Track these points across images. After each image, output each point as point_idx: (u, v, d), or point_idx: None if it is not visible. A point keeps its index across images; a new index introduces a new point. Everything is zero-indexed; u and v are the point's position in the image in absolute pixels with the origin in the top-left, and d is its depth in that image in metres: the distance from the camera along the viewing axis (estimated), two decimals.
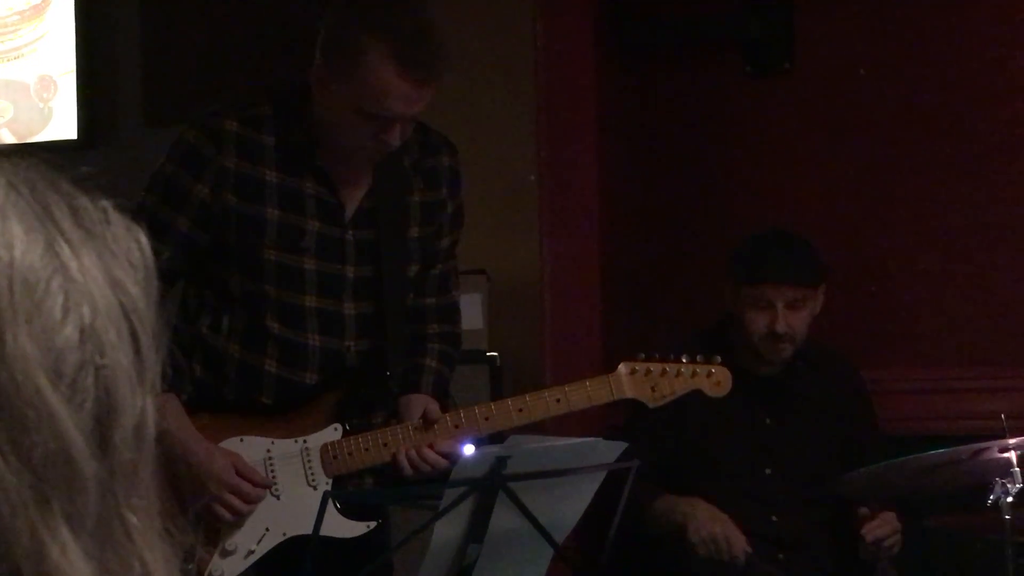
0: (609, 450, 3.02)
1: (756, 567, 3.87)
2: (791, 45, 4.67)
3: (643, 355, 3.25)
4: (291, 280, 3.12)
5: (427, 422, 3.13)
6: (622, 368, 3.23)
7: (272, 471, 3.12)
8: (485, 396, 4.29)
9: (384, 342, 3.19)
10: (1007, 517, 3.10)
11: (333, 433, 3.15)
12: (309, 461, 3.13)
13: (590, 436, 3.17)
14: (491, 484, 2.87)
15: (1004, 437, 3.17)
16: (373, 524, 3.12)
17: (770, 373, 4.04)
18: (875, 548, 3.83)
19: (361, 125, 3.01)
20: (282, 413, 3.14)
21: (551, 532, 2.96)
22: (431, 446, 3.11)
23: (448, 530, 2.89)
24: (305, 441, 3.14)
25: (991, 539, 3.17)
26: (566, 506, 2.99)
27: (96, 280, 0.77)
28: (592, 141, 4.61)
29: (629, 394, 3.22)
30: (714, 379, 3.28)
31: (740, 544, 3.82)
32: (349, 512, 3.11)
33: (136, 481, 0.76)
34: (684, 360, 3.25)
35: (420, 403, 3.18)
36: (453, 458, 3.10)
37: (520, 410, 3.16)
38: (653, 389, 3.24)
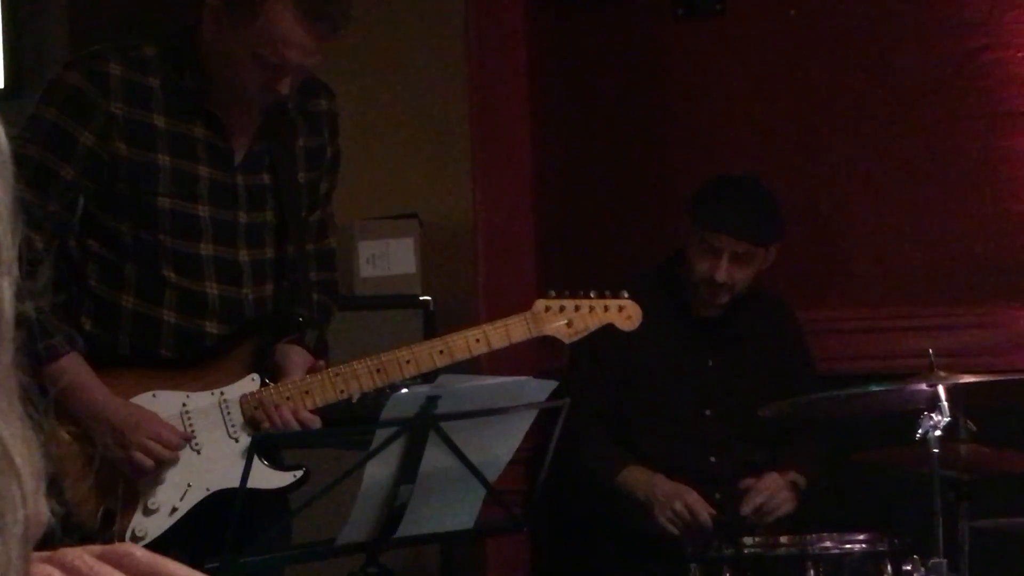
0: (540, 389, 3.02)
1: (728, 525, 3.90)
2: None
3: (553, 292, 3.25)
4: (186, 228, 3.06)
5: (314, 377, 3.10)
6: (538, 305, 3.24)
7: (190, 425, 3.06)
8: (419, 340, 4.28)
9: (283, 288, 3.16)
10: (935, 451, 3.13)
11: (251, 383, 3.09)
12: (228, 413, 3.07)
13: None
14: (422, 424, 2.86)
15: (932, 371, 3.19)
16: (300, 473, 3.08)
17: (712, 314, 4.06)
18: (757, 517, 3.87)
19: (254, 71, 2.97)
20: (195, 366, 3.08)
21: (483, 471, 2.96)
22: (295, 411, 3.05)
23: (379, 471, 2.88)
24: (223, 393, 3.08)
25: (919, 472, 3.19)
26: (498, 445, 2.99)
27: None
28: (523, 83, 4.59)
29: (546, 331, 3.23)
30: (625, 314, 3.30)
31: (704, 511, 3.85)
32: (275, 463, 3.09)
33: None
34: (593, 296, 3.27)
35: (303, 357, 3.14)
36: (309, 428, 3.07)
37: (441, 351, 3.15)
38: (569, 325, 3.25)
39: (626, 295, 3.30)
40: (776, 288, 4.26)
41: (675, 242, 4.15)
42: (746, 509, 3.88)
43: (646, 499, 3.91)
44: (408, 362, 3.12)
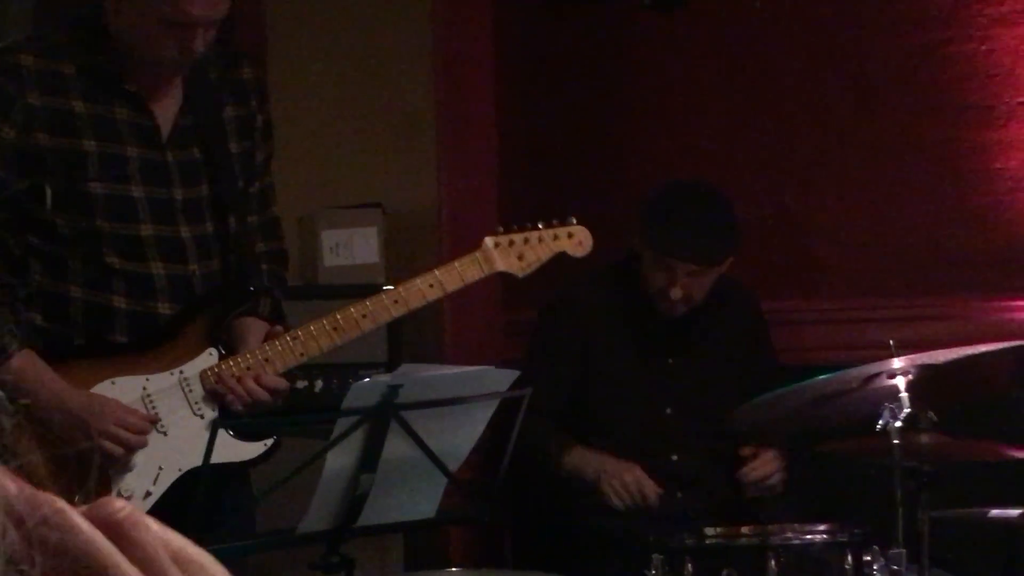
0: (501, 378, 3.03)
1: (668, 507, 3.91)
2: None
3: (501, 228, 3.23)
4: (123, 211, 3.04)
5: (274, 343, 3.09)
6: (487, 242, 3.20)
7: (153, 408, 3.05)
8: (383, 329, 4.27)
9: (230, 260, 3.14)
10: (895, 442, 3.14)
11: (209, 358, 3.08)
12: (190, 391, 3.06)
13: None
14: (383, 413, 2.86)
15: (892, 360, 3.20)
16: (270, 442, 3.08)
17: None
18: (756, 488, 3.90)
19: (163, 35, 2.95)
20: (150, 348, 3.06)
21: (444, 461, 2.97)
22: (257, 379, 3.04)
23: (340, 460, 2.89)
24: (182, 371, 3.07)
25: (880, 464, 3.21)
26: (459, 435, 2.99)
27: None
28: (489, 73, 4.59)
29: (499, 267, 3.19)
30: (575, 239, 3.28)
31: (651, 488, 3.86)
32: (243, 434, 3.07)
33: None
34: (541, 226, 3.25)
35: (259, 327, 3.13)
36: (278, 392, 3.06)
37: (396, 301, 3.13)
38: (520, 258, 3.22)
39: (574, 220, 3.28)
40: (740, 279, 4.26)
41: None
42: (749, 477, 3.89)
43: (595, 474, 3.91)
44: (364, 316, 3.10)
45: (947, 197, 4.47)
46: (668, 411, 4.04)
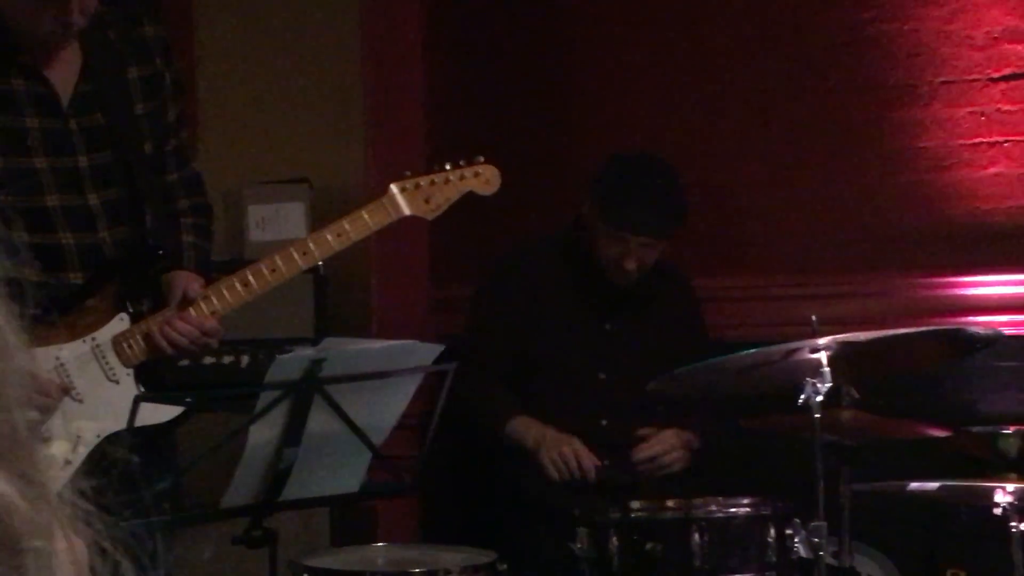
0: (426, 353, 3.02)
1: (610, 478, 3.94)
2: None
3: (408, 172, 3.23)
4: (26, 184, 3.03)
5: (186, 301, 3.09)
6: (394, 187, 3.21)
7: (67, 376, 3.05)
8: (310, 305, 4.27)
9: (142, 224, 3.13)
10: (816, 416, 3.16)
11: (120, 323, 3.09)
12: (104, 357, 3.07)
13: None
14: (307, 387, 2.86)
15: (814, 337, 3.23)
16: (189, 401, 3.08)
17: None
18: (648, 468, 3.93)
19: (39, 11, 2.96)
20: (61, 318, 3.06)
21: (369, 435, 2.96)
22: (183, 318, 3.06)
23: (263, 434, 2.87)
24: (94, 339, 3.07)
25: (803, 438, 3.23)
26: (383, 409, 2.99)
27: None
28: (417, 49, 4.57)
29: (406, 211, 3.20)
30: (483, 178, 3.29)
31: (589, 460, 3.88)
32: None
33: None
34: (448, 167, 3.26)
35: (182, 279, 3.13)
36: (206, 329, 3.07)
37: (304, 253, 3.13)
38: (427, 201, 3.22)
39: (482, 159, 3.29)
40: (669, 255, 4.29)
41: (574, 209, 4.16)
42: (639, 456, 3.93)
43: (535, 444, 3.95)
44: (274, 271, 3.11)
45: (871, 175, 4.50)
46: (602, 376, 4.09)
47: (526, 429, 3.99)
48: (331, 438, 2.92)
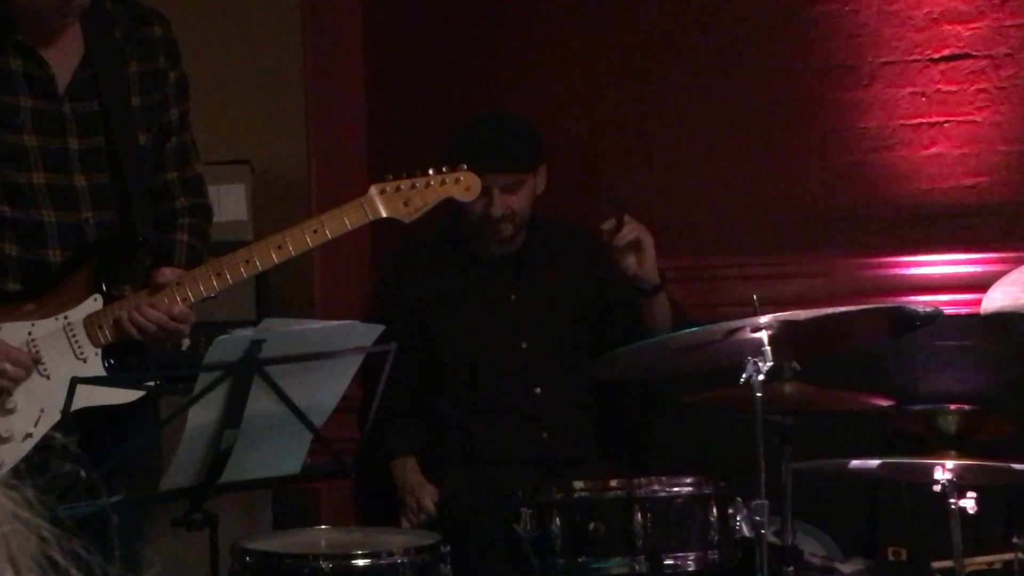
0: (367, 333, 3.01)
1: (533, 450, 3.96)
2: None
3: (391, 175, 3.23)
4: (13, 159, 3.06)
5: (157, 287, 3.09)
6: (373, 190, 3.21)
7: (37, 351, 3.06)
8: (250, 288, 4.25)
9: (128, 211, 3.14)
10: (758, 394, 3.18)
11: (94, 304, 3.10)
12: (74, 336, 3.08)
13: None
14: (246, 368, 2.84)
15: (755, 317, 3.24)
16: (151, 384, 3.09)
17: (503, 252, 4.11)
18: (635, 264, 3.97)
19: None
20: (38, 295, 3.08)
21: (309, 415, 2.95)
22: (151, 304, 3.07)
23: (203, 416, 2.86)
24: (66, 317, 3.09)
25: (745, 417, 3.24)
26: (324, 389, 2.98)
27: None
28: (358, 31, 4.56)
29: (383, 213, 3.20)
30: (463, 185, 3.28)
31: (428, 497, 3.96)
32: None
33: None
34: (431, 172, 3.26)
35: (169, 272, 3.14)
36: (175, 314, 3.07)
37: (279, 247, 3.13)
38: (406, 204, 3.22)
39: (464, 167, 3.29)
40: (573, 224, 4.29)
41: None
42: (623, 240, 3.94)
43: (400, 493, 4.06)
44: (248, 262, 3.12)
45: (811, 156, 4.52)
46: (524, 345, 4.11)
47: (397, 475, 4.08)
48: (271, 419, 2.91)
